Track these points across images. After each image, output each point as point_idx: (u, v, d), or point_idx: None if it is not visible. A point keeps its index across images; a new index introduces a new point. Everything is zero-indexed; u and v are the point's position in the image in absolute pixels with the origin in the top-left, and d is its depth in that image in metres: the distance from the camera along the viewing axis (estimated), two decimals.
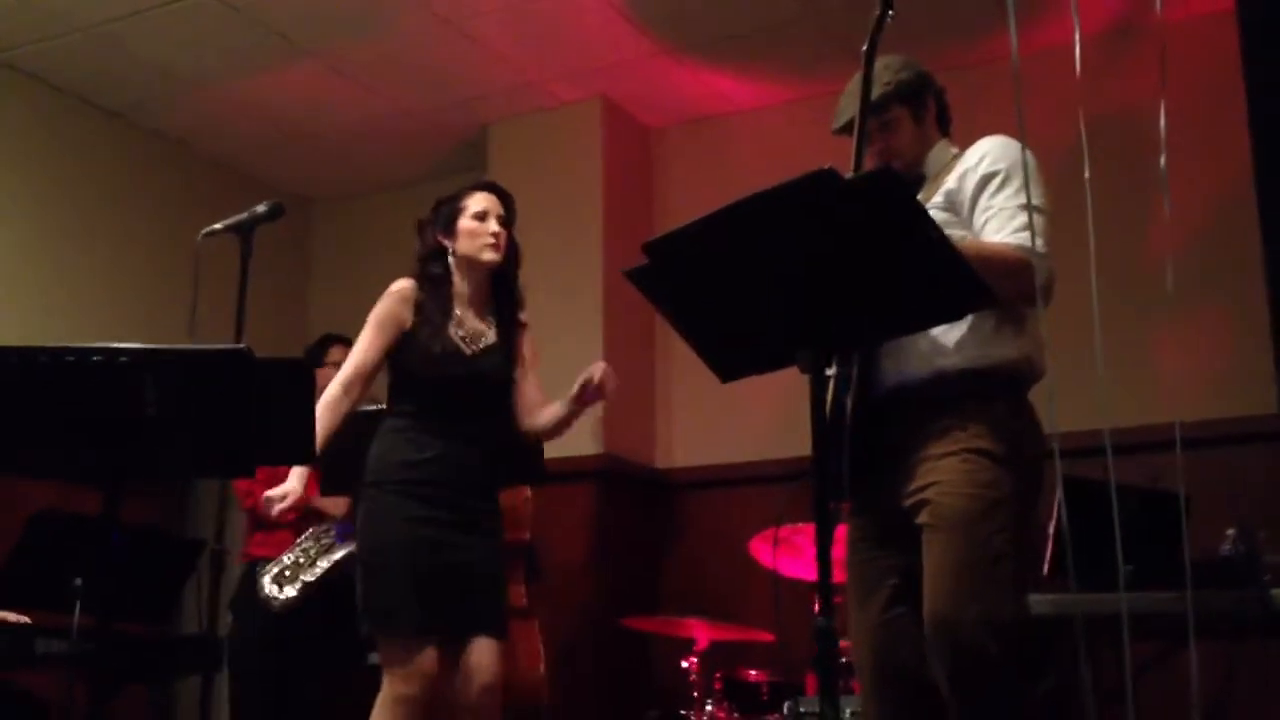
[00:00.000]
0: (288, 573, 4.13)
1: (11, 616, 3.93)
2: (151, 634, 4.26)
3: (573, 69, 5.38)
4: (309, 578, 4.11)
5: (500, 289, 3.44)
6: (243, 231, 3.27)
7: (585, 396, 3.29)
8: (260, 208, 3.28)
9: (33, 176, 5.34)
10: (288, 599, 4.08)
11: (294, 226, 6.29)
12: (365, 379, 3.30)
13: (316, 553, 4.16)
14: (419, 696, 3.11)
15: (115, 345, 2.54)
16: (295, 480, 3.26)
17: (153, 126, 5.81)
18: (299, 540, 4.20)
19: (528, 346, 3.47)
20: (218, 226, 3.27)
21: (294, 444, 3.36)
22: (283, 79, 5.40)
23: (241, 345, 3.01)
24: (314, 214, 6.66)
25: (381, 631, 3.18)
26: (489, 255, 3.36)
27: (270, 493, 3.28)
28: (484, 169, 5.69)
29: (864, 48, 2.44)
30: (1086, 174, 1.98)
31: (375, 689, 3.22)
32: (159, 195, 5.78)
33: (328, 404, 3.23)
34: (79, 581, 3.53)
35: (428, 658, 3.13)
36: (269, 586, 4.10)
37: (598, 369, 3.28)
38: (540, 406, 3.41)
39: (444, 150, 6.04)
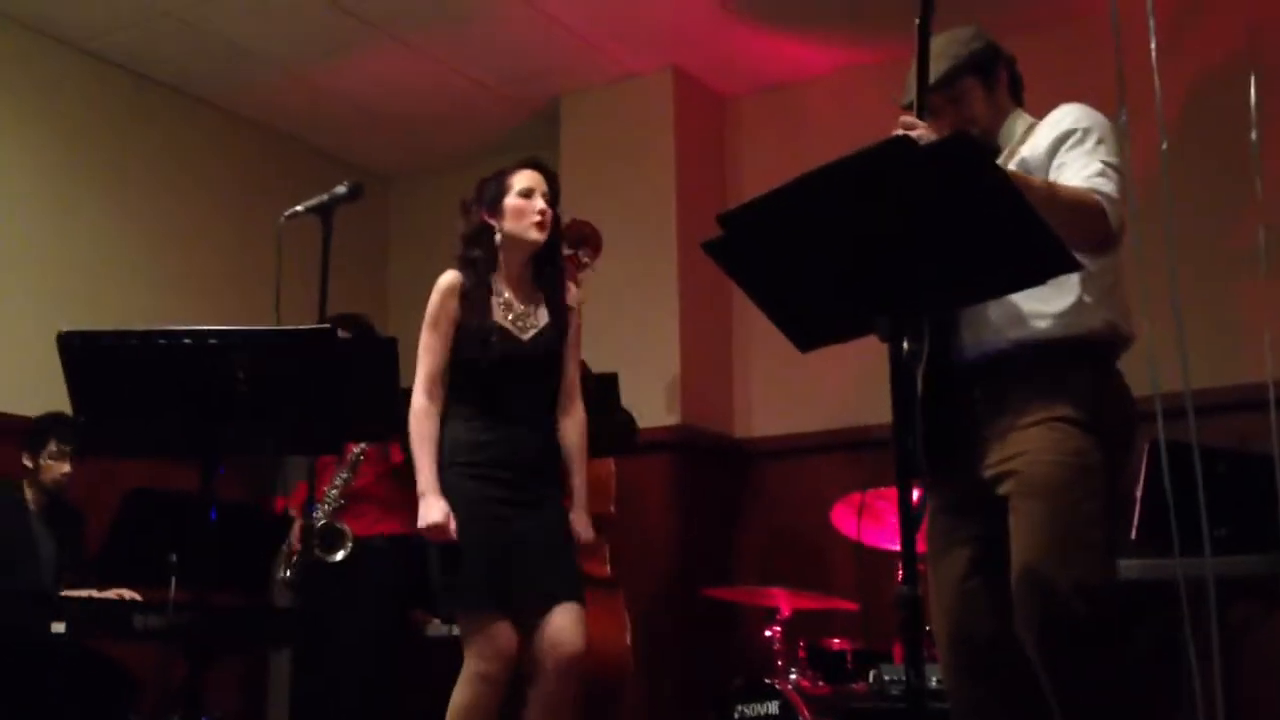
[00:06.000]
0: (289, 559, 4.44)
1: (127, 593, 4.05)
2: (244, 606, 4.37)
3: (644, 39, 5.37)
4: (286, 570, 4.42)
5: (545, 267, 3.42)
6: (323, 212, 3.32)
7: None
8: (340, 188, 3.32)
9: (117, 163, 5.45)
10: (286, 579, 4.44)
11: (373, 205, 6.35)
12: (441, 381, 3.30)
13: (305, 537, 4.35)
14: (498, 673, 3.14)
15: (204, 328, 2.61)
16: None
17: (233, 109, 5.90)
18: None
19: (573, 330, 3.44)
20: (299, 208, 3.32)
21: (378, 420, 3.42)
22: (359, 59, 5.45)
23: (326, 325, 3.09)
24: (392, 192, 6.72)
25: (459, 609, 3.22)
26: (535, 234, 3.33)
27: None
28: (557, 142, 5.71)
29: (916, 20, 2.39)
30: (1164, 145, 1.95)
31: (441, 663, 3.27)
32: (241, 178, 5.88)
33: (421, 417, 3.25)
34: (174, 557, 3.62)
35: (505, 635, 3.15)
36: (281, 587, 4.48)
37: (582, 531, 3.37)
38: (570, 400, 3.42)
39: (518, 124, 6.06)
